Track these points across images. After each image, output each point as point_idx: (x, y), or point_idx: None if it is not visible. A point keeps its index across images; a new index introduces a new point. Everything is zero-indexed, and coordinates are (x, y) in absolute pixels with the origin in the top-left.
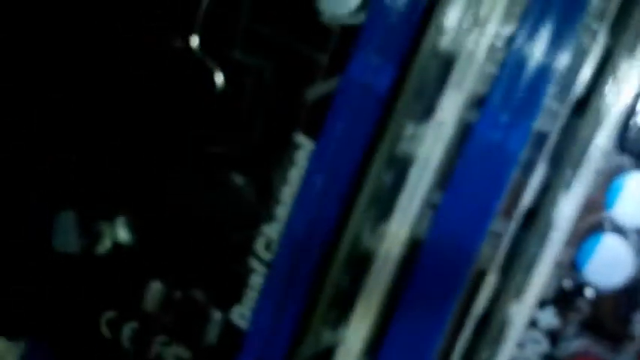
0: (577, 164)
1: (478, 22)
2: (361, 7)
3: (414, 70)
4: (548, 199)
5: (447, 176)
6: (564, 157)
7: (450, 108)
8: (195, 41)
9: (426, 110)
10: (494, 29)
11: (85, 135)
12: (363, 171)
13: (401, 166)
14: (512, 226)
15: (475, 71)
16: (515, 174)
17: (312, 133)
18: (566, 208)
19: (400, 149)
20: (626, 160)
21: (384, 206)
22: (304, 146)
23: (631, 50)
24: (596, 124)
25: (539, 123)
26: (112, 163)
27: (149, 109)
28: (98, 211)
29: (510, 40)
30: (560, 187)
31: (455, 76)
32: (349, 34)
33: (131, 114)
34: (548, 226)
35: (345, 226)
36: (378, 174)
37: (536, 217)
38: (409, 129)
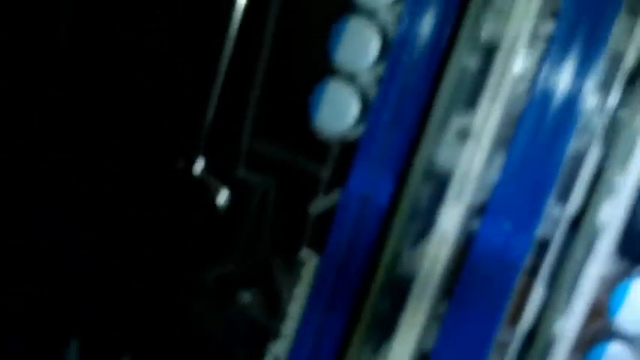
0: (574, 280)
1: (474, 136)
2: (358, 123)
3: (409, 189)
4: (547, 318)
5: (452, 286)
6: (562, 275)
7: (450, 220)
8: (200, 163)
9: (424, 228)
10: (489, 142)
11: (92, 268)
12: (365, 291)
13: (401, 287)
14: (518, 336)
15: (473, 183)
16: (519, 281)
17: (317, 247)
18: (566, 325)
19: (399, 271)
20: (627, 265)
21: (385, 329)
22: (310, 260)
23: (624, 162)
24: (594, 233)
25: (541, 230)
26: (116, 300)
27: (150, 234)
28: (104, 352)
29: (508, 148)
30: (558, 306)
31: (452, 190)
32: (348, 149)
33: (134, 244)
34: (548, 344)
35: (347, 348)
36: (375, 300)
37: (536, 335)
38: (407, 250)
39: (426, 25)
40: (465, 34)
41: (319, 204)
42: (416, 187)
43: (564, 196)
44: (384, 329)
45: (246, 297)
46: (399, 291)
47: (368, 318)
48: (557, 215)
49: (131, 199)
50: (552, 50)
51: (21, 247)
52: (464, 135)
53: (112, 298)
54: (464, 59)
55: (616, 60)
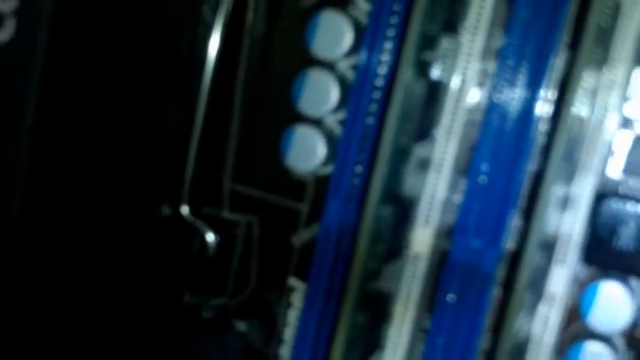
0: (537, 285)
1: (434, 165)
2: (327, 161)
3: (368, 215)
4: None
5: (431, 301)
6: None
7: (422, 241)
8: (185, 209)
9: (397, 248)
10: (450, 170)
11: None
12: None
13: (381, 303)
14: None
15: (439, 207)
16: (494, 292)
17: (302, 276)
18: (537, 327)
19: (375, 288)
20: (593, 271)
21: (369, 343)
22: (298, 288)
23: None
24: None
25: (509, 243)
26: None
27: (143, 277)
28: None
29: (469, 172)
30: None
31: (420, 214)
32: (323, 184)
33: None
34: (519, 346)
35: None
36: (350, 315)
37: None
38: (382, 269)
39: (380, 70)
40: (408, 78)
41: (301, 236)
42: (375, 212)
43: (525, 208)
44: (367, 343)
45: (241, 326)
46: (378, 306)
47: (345, 332)
48: (520, 227)
49: (121, 249)
50: (500, 80)
51: None
52: (425, 164)
53: (113, 335)
54: (409, 98)
55: None
